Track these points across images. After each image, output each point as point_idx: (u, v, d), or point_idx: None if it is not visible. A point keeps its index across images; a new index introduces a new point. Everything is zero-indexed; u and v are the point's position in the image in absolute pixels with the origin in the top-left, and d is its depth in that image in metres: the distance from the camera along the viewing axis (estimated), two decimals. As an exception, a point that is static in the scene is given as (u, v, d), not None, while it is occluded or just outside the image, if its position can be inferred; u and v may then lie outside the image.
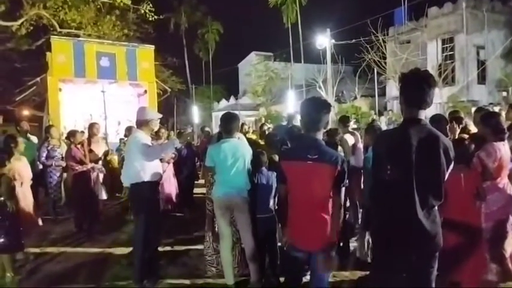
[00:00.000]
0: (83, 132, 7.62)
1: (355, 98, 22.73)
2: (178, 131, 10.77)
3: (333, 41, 19.03)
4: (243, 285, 3.82)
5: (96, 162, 6.45)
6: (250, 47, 36.74)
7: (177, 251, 5.05)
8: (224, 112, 4.03)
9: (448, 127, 4.05)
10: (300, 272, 2.81)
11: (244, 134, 5.55)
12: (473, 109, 5.74)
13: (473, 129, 4.47)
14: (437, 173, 2.15)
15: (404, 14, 20.86)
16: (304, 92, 25.18)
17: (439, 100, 16.41)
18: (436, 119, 4.20)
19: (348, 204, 4.83)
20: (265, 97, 28.68)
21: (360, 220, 4.88)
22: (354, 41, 19.06)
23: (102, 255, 5.00)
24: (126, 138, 7.10)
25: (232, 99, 34.50)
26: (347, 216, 4.69)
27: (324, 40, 18.73)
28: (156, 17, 16.44)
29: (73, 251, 5.18)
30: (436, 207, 2.24)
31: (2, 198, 4.11)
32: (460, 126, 4.48)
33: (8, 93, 17.73)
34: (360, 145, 5.45)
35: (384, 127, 9.08)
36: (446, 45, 19.57)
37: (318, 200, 2.55)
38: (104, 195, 6.78)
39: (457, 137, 3.97)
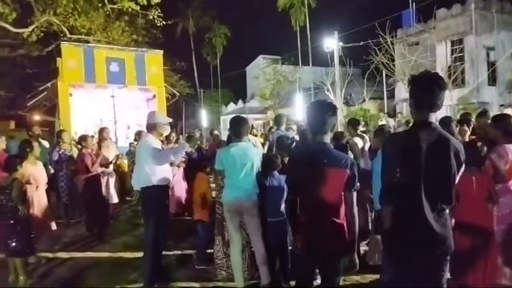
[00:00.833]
0: (93, 136, 7.71)
1: (364, 100, 22.61)
2: (187, 134, 10.82)
3: (341, 43, 19.00)
4: (253, 288, 3.83)
5: (107, 166, 6.53)
6: (258, 50, 36.83)
7: (187, 254, 5.06)
8: (233, 116, 4.05)
9: (458, 129, 4.03)
10: (311, 276, 2.78)
11: (253, 138, 5.56)
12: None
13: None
14: (448, 176, 2.14)
15: (413, 16, 20.74)
16: (312, 95, 25.15)
17: (449, 102, 16.25)
18: (446, 122, 4.19)
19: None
20: (273, 100, 28.69)
21: (370, 223, 4.85)
22: (362, 43, 19.01)
23: (112, 259, 5.05)
24: (135, 143, 7.16)
25: (240, 103, 34.58)
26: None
27: (331, 43, 18.71)
28: (164, 22, 16.58)
29: (84, 255, 5.23)
30: (447, 211, 2.23)
31: (14, 203, 4.17)
32: (470, 128, 4.46)
33: (20, 99, 18.00)
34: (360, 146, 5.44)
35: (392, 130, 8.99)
36: (455, 47, 19.40)
37: (328, 205, 2.52)
38: (114, 199, 6.84)
39: (467, 139, 3.95)
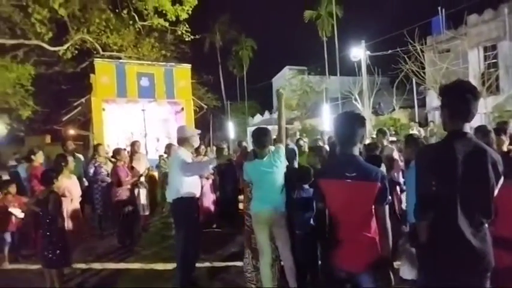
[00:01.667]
0: (125, 149, 7.92)
1: (393, 109, 22.14)
2: (216, 147, 10.94)
3: (368, 52, 18.78)
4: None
5: (138, 178, 6.69)
6: (284, 62, 36.96)
7: (216, 267, 5.07)
8: (256, 127, 4.06)
9: (495, 139, 3.86)
10: None
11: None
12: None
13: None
14: (486, 188, 2.06)
15: (442, 23, 20.26)
16: (339, 105, 24.90)
17: (484, 110, 15.68)
18: (482, 130, 4.03)
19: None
20: (300, 111, 28.60)
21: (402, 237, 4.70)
22: (390, 51, 18.68)
23: (144, 270, 5.12)
24: (165, 155, 7.30)
25: (266, 114, 34.70)
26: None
27: (358, 52, 18.53)
28: (192, 37, 16.98)
29: (117, 266, 5.34)
30: (486, 225, 2.13)
31: (50, 215, 4.32)
32: (508, 137, 4.27)
33: (55, 114, 18.79)
34: (397, 157, 5.31)
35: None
36: (488, 53, 18.75)
37: (359, 219, 2.46)
38: (146, 211, 6.98)
39: (505, 149, 3.78)
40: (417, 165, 2.31)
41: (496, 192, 2.10)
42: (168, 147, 7.37)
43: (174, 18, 15.31)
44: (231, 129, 28.12)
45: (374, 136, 7.79)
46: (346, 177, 2.43)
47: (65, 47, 16.94)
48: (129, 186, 6.38)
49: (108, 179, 6.71)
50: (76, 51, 17.57)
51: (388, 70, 20.11)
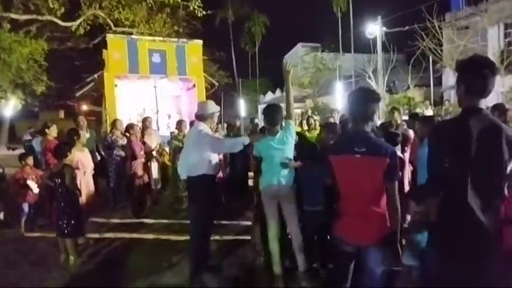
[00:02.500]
0: (137, 125, 7.99)
1: (408, 88, 21.68)
2: (227, 124, 10.94)
3: (384, 28, 18.28)
4: (291, 275, 3.85)
5: (150, 153, 6.77)
6: (297, 38, 36.41)
7: (225, 240, 5.16)
8: (267, 104, 4.03)
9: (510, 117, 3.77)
10: (348, 266, 2.71)
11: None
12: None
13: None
14: (499, 166, 2.01)
15: (462, -2, 19.55)
16: (353, 83, 24.51)
17: (501, 89, 15.26)
18: (499, 108, 3.94)
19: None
20: (312, 89, 28.26)
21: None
22: (407, 28, 18.14)
23: (157, 241, 5.26)
24: (176, 132, 7.34)
25: (278, 92, 34.44)
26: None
27: (374, 28, 18.05)
28: (204, 12, 16.75)
29: (130, 237, 5.46)
30: (498, 203, 2.10)
31: (64, 187, 4.42)
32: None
33: (69, 90, 19.00)
34: (412, 135, 5.25)
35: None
36: (509, 30, 18.09)
37: (368, 194, 2.46)
38: (158, 185, 7.10)
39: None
40: (430, 141, 2.27)
41: (508, 170, 2.05)
42: (179, 123, 7.40)
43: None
44: (242, 106, 28.05)
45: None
46: (356, 153, 2.44)
47: (78, 22, 16.95)
48: (142, 160, 6.49)
49: (123, 153, 6.81)
50: (88, 27, 17.60)
51: (404, 47, 19.55)
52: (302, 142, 4.13)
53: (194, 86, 12.50)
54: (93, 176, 5.71)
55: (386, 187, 2.46)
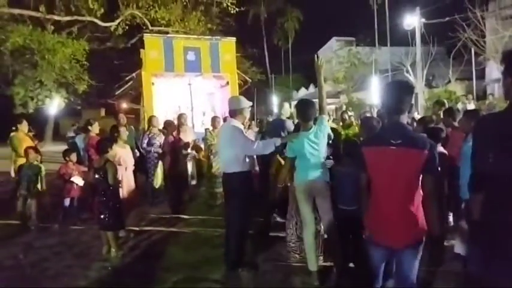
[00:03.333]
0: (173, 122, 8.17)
1: (449, 81, 20.77)
2: (258, 120, 10.97)
3: (423, 20, 17.60)
4: (326, 272, 3.82)
5: (185, 149, 6.92)
6: (331, 33, 35.75)
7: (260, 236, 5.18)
8: (299, 99, 4.00)
9: None
10: (380, 267, 2.61)
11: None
12: None
13: None
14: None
15: (508, -15, 18.45)
16: (389, 77, 23.81)
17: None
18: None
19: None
20: (347, 84, 27.70)
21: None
22: (447, 19, 17.36)
23: (194, 236, 5.38)
24: (211, 128, 7.44)
25: (311, 87, 34.06)
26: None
27: (412, 20, 17.43)
28: (237, 9, 16.84)
29: (168, 231, 5.63)
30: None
31: (106, 182, 4.60)
32: None
33: (108, 88, 19.72)
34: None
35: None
36: (560, 18, 16.92)
37: (403, 190, 2.36)
38: (193, 181, 7.24)
39: None
40: (474, 135, 2.17)
41: None
42: (213, 120, 7.51)
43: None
44: (275, 102, 27.98)
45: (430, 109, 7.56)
46: (391, 144, 2.34)
47: (116, 22, 17.53)
48: (179, 157, 6.64)
49: (160, 150, 6.99)
50: (126, 27, 18.16)
51: (445, 39, 18.71)
52: (337, 139, 4.08)
53: (227, 83, 12.63)
54: (133, 171, 5.90)
55: (425, 181, 2.36)
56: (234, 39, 13.00)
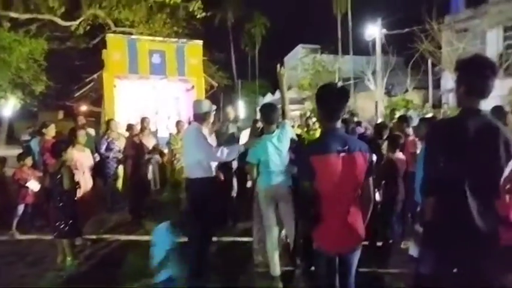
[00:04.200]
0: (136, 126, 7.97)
1: (407, 90, 21.71)
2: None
3: (384, 30, 18.31)
4: (288, 277, 3.83)
5: (149, 153, 6.77)
6: (297, 40, 36.27)
7: (224, 241, 5.14)
8: (263, 104, 4.05)
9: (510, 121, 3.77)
10: (335, 275, 2.53)
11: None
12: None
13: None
14: (495, 167, 2.01)
15: (462, 1, 19.59)
16: (352, 85, 24.52)
17: (500, 92, 15.29)
18: (498, 111, 3.94)
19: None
20: (312, 91, 28.23)
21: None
22: (406, 30, 18.17)
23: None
24: (175, 132, 7.33)
25: (277, 93, 34.39)
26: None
27: (374, 30, 18.09)
28: (204, 13, 16.73)
29: (127, 239, 5.45)
30: (495, 204, 2.09)
31: (62, 187, 4.39)
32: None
33: (68, 90, 18.96)
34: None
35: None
36: (508, 33, 18.14)
37: (349, 194, 2.38)
38: (156, 186, 7.08)
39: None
40: (426, 141, 2.27)
41: (506, 172, 2.05)
42: (178, 124, 7.40)
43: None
44: (241, 108, 28.03)
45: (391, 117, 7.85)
46: (338, 151, 2.34)
47: (78, 22, 16.93)
48: (141, 161, 6.48)
49: (120, 154, 6.80)
50: (88, 27, 17.57)
51: (403, 50, 19.58)
52: (301, 144, 4.14)
53: (193, 87, 12.49)
54: (92, 176, 5.68)
55: (365, 183, 2.42)
56: (200, 42, 12.89)
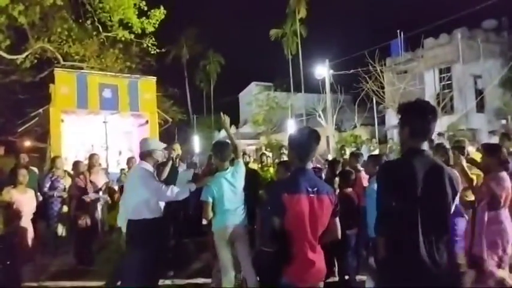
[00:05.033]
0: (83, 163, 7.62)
1: (355, 126, 22.87)
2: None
3: (332, 71, 19.40)
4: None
5: (96, 193, 6.43)
6: (251, 77, 37.34)
7: (178, 284, 4.93)
8: (215, 141, 4.06)
9: (451, 157, 4.04)
10: None
11: (246, 164, 5.52)
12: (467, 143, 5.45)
13: (476, 157, 4.47)
14: (444, 204, 2.13)
15: (401, 45, 21.34)
16: (304, 121, 25.38)
17: (439, 129, 16.51)
18: (440, 148, 4.22)
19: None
20: (266, 126, 28.85)
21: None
22: (352, 71, 19.41)
23: (102, 290, 4.87)
24: (127, 169, 7.09)
25: (233, 129, 34.65)
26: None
27: (323, 70, 19.10)
28: (158, 50, 16.79)
29: (71, 285, 5.07)
30: (445, 240, 2.19)
31: None
32: (464, 155, 4.48)
33: (10, 125, 17.87)
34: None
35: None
36: (443, 75, 19.91)
37: (317, 233, 2.48)
38: (105, 227, 6.70)
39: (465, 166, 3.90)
40: (378, 181, 2.37)
41: (452, 208, 2.17)
42: (129, 160, 7.18)
43: (139, 31, 15.12)
44: (196, 143, 27.87)
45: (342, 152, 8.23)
46: (310, 192, 2.44)
47: (24, 55, 16.24)
48: (88, 201, 6.11)
49: (65, 194, 6.42)
50: (35, 60, 16.88)
51: (350, 89, 20.90)
52: (257, 181, 4.16)
53: (147, 122, 12.30)
54: (33, 218, 5.28)
55: (331, 222, 2.53)
56: (154, 78, 12.85)
